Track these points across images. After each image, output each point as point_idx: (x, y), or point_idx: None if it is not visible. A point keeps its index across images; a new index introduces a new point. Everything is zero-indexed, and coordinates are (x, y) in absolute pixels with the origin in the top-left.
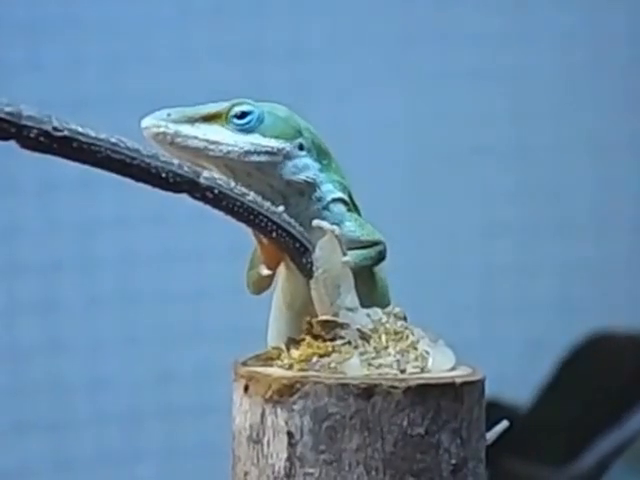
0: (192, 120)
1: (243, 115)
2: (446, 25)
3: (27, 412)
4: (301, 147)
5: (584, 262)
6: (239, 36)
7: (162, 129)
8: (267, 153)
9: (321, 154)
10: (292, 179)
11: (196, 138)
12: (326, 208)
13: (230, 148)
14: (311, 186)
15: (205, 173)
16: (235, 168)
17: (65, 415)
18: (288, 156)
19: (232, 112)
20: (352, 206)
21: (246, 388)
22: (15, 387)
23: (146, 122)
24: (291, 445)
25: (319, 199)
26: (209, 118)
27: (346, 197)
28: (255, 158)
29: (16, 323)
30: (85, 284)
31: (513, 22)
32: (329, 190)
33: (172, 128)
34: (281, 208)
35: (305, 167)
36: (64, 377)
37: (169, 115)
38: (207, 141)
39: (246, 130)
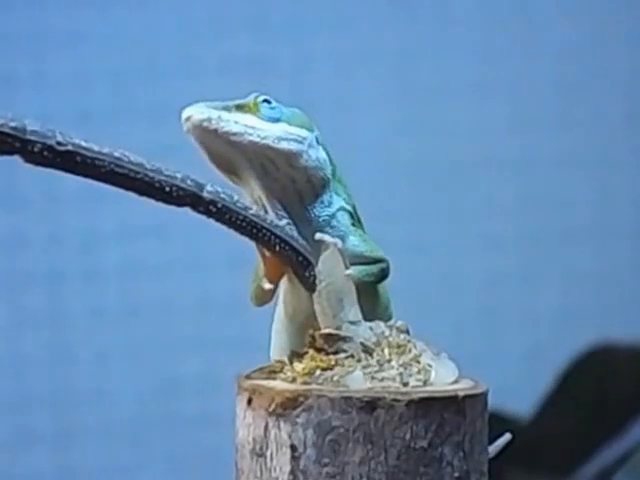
0: (228, 108)
1: (269, 102)
2: (447, 39)
3: (31, 423)
4: (317, 140)
5: (585, 274)
6: (244, 49)
7: (206, 114)
8: (295, 140)
9: (330, 159)
10: (313, 174)
11: (237, 123)
12: (334, 216)
13: (266, 133)
14: (325, 187)
15: (208, 187)
16: (266, 158)
17: (69, 426)
18: (311, 145)
19: (260, 99)
20: (356, 220)
21: (249, 401)
22: (19, 398)
23: (188, 112)
24: (294, 458)
25: (329, 204)
26: (241, 108)
27: (351, 209)
28: (285, 145)
29: (20, 334)
30: (88, 295)
31: (514, 36)
32: (337, 198)
33: (215, 113)
34: (284, 222)
35: (325, 162)
36: (68, 388)
37: (206, 105)
38: (246, 126)
39: (274, 119)
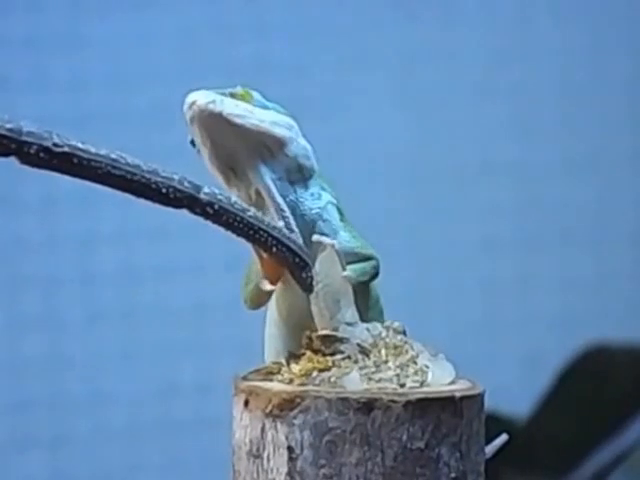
0: (224, 95)
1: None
2: (449, 43)
3: (27, 427)
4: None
5: (583, 277)
6: (242, 53)
7: (212, 97)
8: (286, 127)
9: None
10: (303, 162)
11: (238, 107)
12: (325, 209)
13: (263, 117)
14: (313, 178)
15: (205, 188)
16: (263, 145)
17: (65, 430)
18: (298, 134)
19: (248, 87)
20: (343, 216)
21: (246, 402)
22: (16, 401)
23: (193, 96)
24: (291, 460)
25: (319, 197)
26: (234, 95)
27: (337, 205)
28: (279, 130)
29: (17, 338)
30: (85, 298)
31: (515, 40)
32: (324, 192)
33: (218, 97)
34: (281, 223)
35: (310, 152)
36: (64, 392)
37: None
38: (246, 109)
39: (265, 106)
